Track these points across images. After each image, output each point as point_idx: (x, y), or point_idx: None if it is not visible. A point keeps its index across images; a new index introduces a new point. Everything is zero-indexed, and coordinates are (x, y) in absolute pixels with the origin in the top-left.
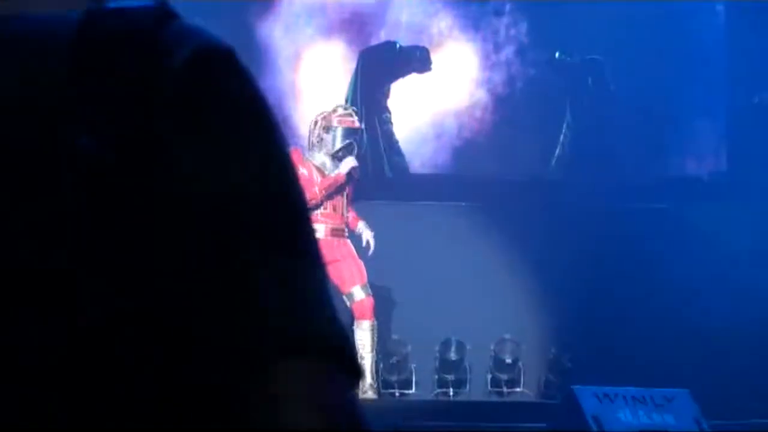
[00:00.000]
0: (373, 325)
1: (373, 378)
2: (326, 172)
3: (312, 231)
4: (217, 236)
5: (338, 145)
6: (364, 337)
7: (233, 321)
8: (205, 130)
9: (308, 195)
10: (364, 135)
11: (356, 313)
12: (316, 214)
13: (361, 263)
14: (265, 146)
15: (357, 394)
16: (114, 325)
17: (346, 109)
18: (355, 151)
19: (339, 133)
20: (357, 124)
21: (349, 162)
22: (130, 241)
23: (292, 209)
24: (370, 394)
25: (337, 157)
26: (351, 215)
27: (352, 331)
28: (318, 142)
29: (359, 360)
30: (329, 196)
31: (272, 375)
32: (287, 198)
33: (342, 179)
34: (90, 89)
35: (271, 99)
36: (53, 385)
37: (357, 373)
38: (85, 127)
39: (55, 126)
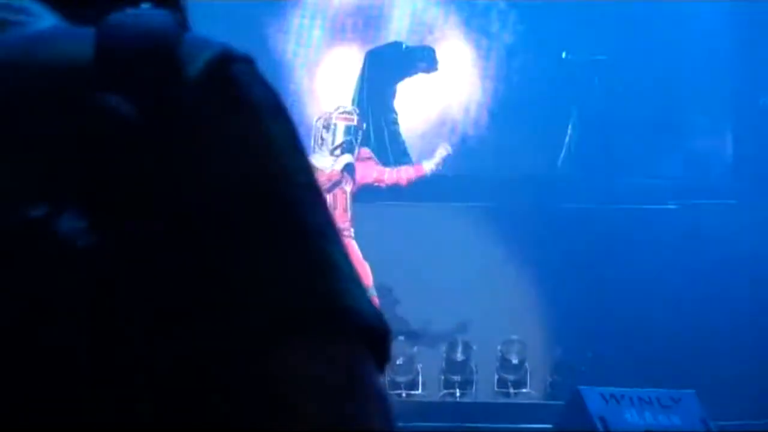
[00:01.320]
0: None
1: None
2: (327, 172)
3: (334, 222)
4: (240, 223)
5: (337, 142)
6: None
7: (237, 295)
8: (227, 129)
9: None
10: (361, 132)
11: None
12: None
13: (366, 265)
14: (287, 143)
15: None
16: (113, 288)
17: (346, 107)
18: (355, 149)
19: (337, 130)
20: (356, 121)
21: (344, 159)
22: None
23: (318, 200)
24: None
25: (335, 154)
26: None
27: None
28: (320, 142)
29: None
30: (329, 195)
31: (288, 347)
32: (312, 187)
33: (336, 176)
34: (113, 95)
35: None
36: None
37: (386, 356)
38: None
39: (80, 120)
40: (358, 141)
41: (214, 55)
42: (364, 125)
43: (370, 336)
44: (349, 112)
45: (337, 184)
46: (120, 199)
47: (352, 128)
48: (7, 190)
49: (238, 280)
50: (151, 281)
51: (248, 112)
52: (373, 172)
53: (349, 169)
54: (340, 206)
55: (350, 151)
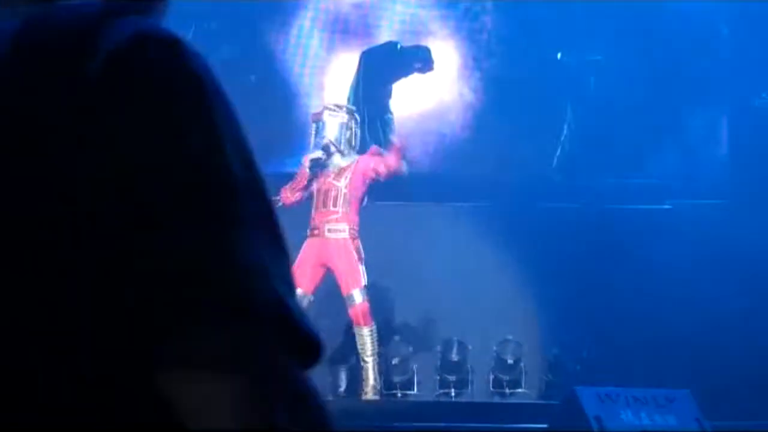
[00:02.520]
0: (371, 330)
1: (375, 380)
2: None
3: (253, 203)
4: (144, 204)
5: (313, 141)
6: (364, 342)
7: (149, 284)
8: (133, 106)
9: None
10: (351, 128)
11: (354, 318)
12: (314, 215)
13: (357, 266)
14: (200, 129)
15: (302, 371)
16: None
17: (331, 105)
18: (330, 146)
19: (321, 126)
20: (342, 117)
21: (311, 155)
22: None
23: (226, 180)
24: (371, 396)
25: (326, 150)
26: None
27: (352, 333)
28: (312, 139)
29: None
30: (315, 194)
31: (187, 340)
32: (220, 169)
33: (304, 173)
34: (24, 83)
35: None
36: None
37: (306, 345)
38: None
39: None
40: (349, 137)
41: (120, 42)
42: (353, 122)
43: (277, 325)
44: (332, 109)
45: (311, 182)
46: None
47: (336, 124)
48: None
49: (135, 271)
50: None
51: (152, 98)
52: (379, 166)
53: (316, 166)
54: (329, 204)
55: (325, 148)
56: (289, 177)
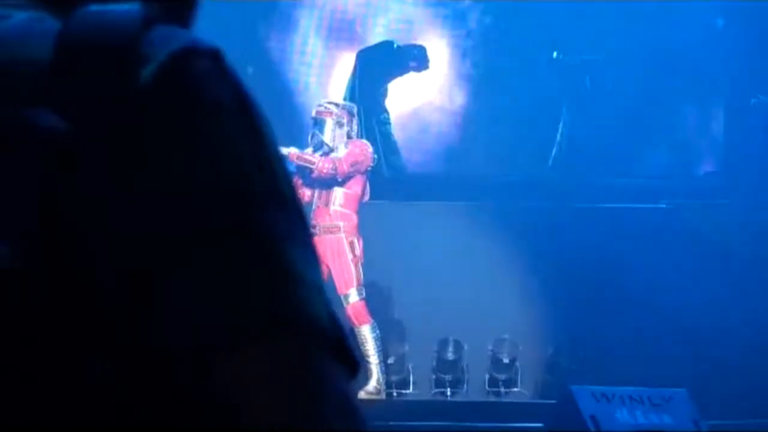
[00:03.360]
0: (372, 329)
1: (378, 381)
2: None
3: (300, 223)
4: (191, 227)
5: (321, 137)
6: (365, 341)
7: (206, 296)
8: (182, 131)
9: None
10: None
11: (352, 317)
12: (310, 214)
13: (350, 265)
14: (249, 144)
15: (354, 388)
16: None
17: (323, 103)
18: (321, 143)
19: (316, 125)
20: (335, 115)
21: (329, 155)
22: (103, 233)
23: (275, 200)
24: (375, 395)
25: (319, 148)
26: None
27: (353, 333)
28: (309, 138)
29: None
30: (308, 193)
31: (245, 356)
32: (269, 191)
33: (318, 172)
34: (64, 96)
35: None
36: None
37: (353, 365)
38: (59, 122)
39: (27, 121)
40: (344, 135)
41: (171, 54)
42: (348, 119)
43: (325, 338)
44: (325, 107)
45: (320, 179)
46: (59, 226)
47: (334, 122)
48: None
49: (188, 284)
50: (91, 295)
51: (204, 113)
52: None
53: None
54: (314, 202)
55: (318, 143)
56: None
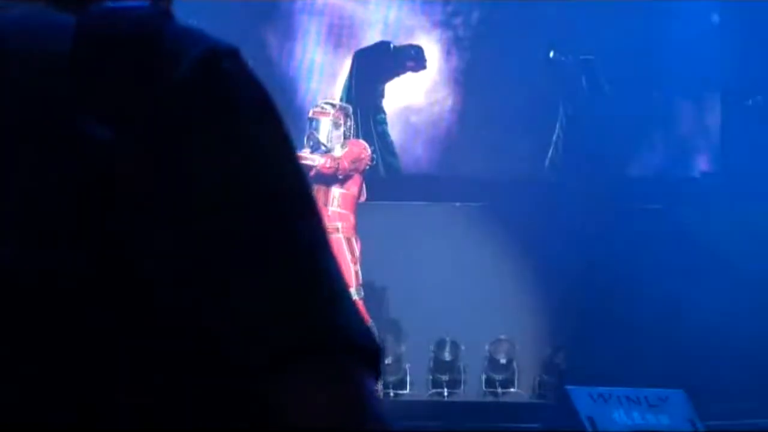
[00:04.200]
0: (371, 327)
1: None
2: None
3: (324, 225)
4: (229, 235)
5: (315, 137)
6: None
7: (242, 319)
8: (215, 131)
9: None
10: (342, 126)
11: None
12: None
13: (350, 265)
14: (277, 145)
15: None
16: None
17: (320, 103)
18: (318, 142)
19: (312, 125)
20: (332, 115)
21: (325, 153)
22: (148, 233)
23: (308, 204)
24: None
25: (316, 148)
26: None
27: None
28: (306, 138)
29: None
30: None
31: (289, 374)
32: (304, 195)
33: (314, 172)
34: (94, 95)
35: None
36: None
37: (379, 372)
38: (95, 123)
39: (63, 123)
40: (340, 135)
41: (201, 54)
42: (345, 119)
43: (363, 354)
44: (321, 107)
45: (320, 177)
46: (94, 221)
47: (330, 122)
48: None
49: (224, 308)
50: (131, 306)
51: (237, 115)
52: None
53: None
54: (321, 201)
55: (316, 144)
56: None
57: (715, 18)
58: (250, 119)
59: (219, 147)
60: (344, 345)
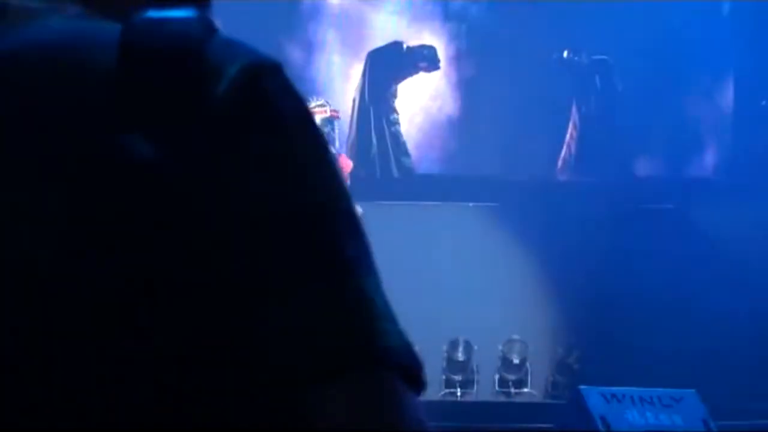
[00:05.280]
0: None
1: None
2: None
3: (368, 242)
4: (276, 252)
5: None
6: None
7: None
8: (259, 149)
9: None
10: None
11: None
12: None
13: None
14: (321, 161)
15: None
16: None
17: (317, 101)
18: (334, 141)
19: (331, 125)
20: (329, 113)
21: None
22: (188, 255)
23: (353, 222)
24: None
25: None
26: None
27: None
28: None
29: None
30: None
31: (328, 387)
32: (348, 212)
33: None
34: (139, 111)
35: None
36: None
37: (420, 390)
38: (139, 141)
39: (108, 140)
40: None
41: (243, 69)
42: (333, 120)
43: (405, 374)
44: (321, 105)
45: None
46: (140, 240)
47: (326, 120)
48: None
49: (271, 322)
50: (178, 319)
51: (281, 132)
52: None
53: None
54: None
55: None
56: None
57: (728, 17)
58: (292, 136)
59: (261, 166)
60: (384, 361)
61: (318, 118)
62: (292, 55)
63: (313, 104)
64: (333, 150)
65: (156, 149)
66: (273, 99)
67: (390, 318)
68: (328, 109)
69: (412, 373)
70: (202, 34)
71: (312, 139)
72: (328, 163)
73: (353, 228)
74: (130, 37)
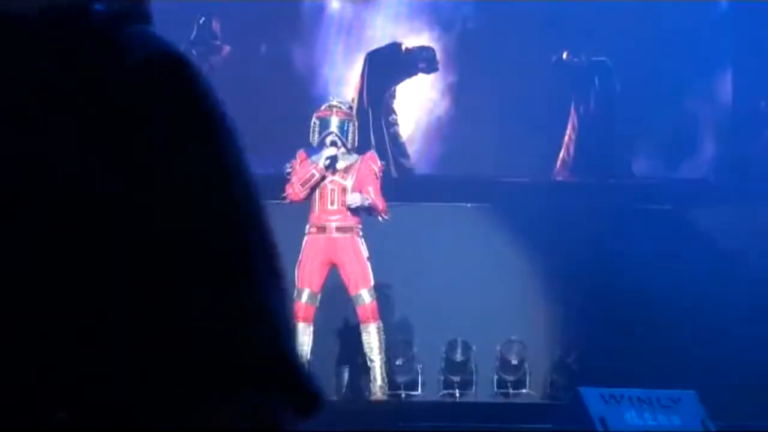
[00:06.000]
0: (379, 327)
1: (383, 380)
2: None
3: (263, 241)
4: (150, 251)
5: (317, 137)
6: (371, 340)
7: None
8: (152, 131)
9: (294, 194)
10: (352, 125)
11: (361, 317)
12: (318, 212)
13: (367, 265)
14: (209, 153)
15: (304, 419)
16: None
17: (334, 100)
18: (338, 142)
19: (318, 125)
20: (343, 114)
21: (326, 152)
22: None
23: (234, 225)
24: (380, 396)
25: (335, 145)
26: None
27: (357, 333)
28: (311, 136)
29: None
30: (318, 191)
31: (212, 405)
32: (231, 211)
33: (319, 170)
34: (57, 81)
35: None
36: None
37: (308, 395)
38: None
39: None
40: (348, 135)
41: (151, 51)
42: (354, 120)
43: (291, 386)
44: (332, 106)
45: (322, 180)
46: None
47: (341, 122)
48: None
49: (163, 327)
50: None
51: (173, 111)
52: (368, 186)
53: (332, 163)
54: (327, 201)
55: (334, 144)
56: (277, 179)
57: (726, 19)
58: (183, 120)
59: (151, 146)
60: (275, 380)
61: (336, 120)
62: (293, 55)
63: (332, 104)
64: (333, 149)
65: (51, 137)
66: (172, 84)
67: (280, 327)
68: (345, 109)
69: (296, 385)
70: (118, 21)
71: (205, 127)
72: (239, 152)
73: (259, 223)
74: (137, 37)
